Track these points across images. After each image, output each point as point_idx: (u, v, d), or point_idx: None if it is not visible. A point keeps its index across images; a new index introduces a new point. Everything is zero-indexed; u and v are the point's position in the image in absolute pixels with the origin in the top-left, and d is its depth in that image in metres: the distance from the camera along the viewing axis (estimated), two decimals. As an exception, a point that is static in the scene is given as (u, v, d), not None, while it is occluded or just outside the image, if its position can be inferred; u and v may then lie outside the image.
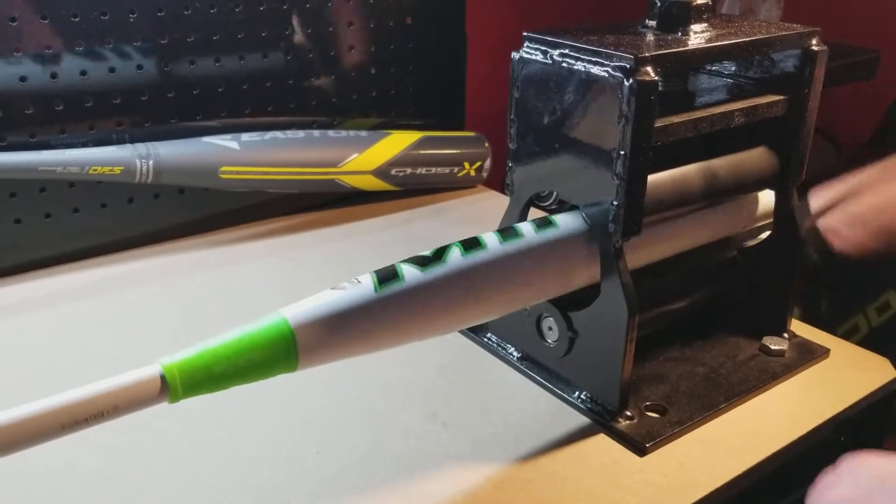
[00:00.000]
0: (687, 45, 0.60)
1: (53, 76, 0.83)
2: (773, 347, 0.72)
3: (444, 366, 0.71)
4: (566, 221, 0.62)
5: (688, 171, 0.65)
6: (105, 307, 0.80)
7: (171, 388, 0.46)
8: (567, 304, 0.65)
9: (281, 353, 0.49)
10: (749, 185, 0.69)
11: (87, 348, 0.73)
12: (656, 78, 0.56)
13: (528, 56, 0.63)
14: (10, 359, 0.71)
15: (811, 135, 0.69)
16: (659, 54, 0.57)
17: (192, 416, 0.63)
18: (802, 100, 0.67)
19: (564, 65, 0.60)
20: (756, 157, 0.69)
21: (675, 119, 0.61)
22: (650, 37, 0.62)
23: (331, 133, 0.99)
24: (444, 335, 0.59)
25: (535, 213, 0.67)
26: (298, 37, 0.98)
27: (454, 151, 1.06)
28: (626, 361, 0.62)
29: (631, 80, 0.56)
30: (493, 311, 0.61)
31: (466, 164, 1.06)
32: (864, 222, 0.65)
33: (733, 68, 0.71)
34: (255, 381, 0.49)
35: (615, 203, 0.59)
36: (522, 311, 0.67)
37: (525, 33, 0.63)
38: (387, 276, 0.54)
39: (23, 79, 0.81)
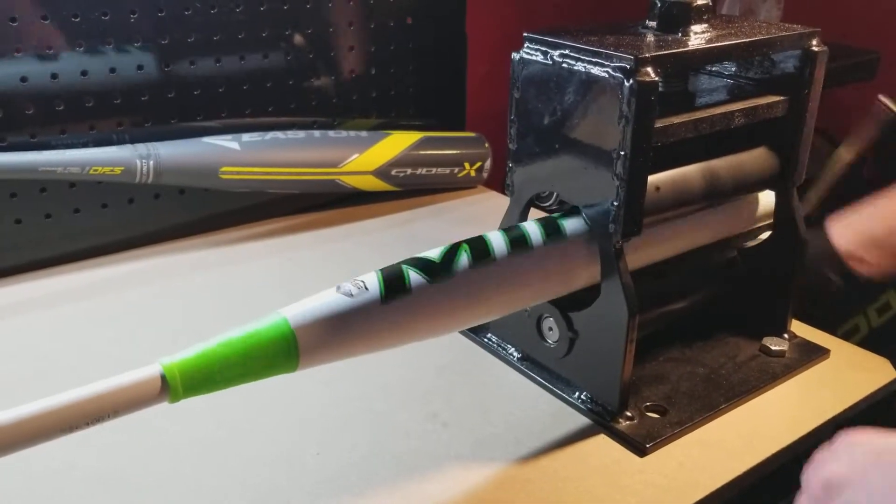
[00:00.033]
0: (687, 45, 0.60)
1: (54, 76, 0.83)
2: (773, 348, 0.72)
3: (445, 366, 0.71)
4: (573, 227, 0.62)
5: (688, 172, 0.65)
6: (105, 307, 0.80)
7: (172, 387, 0.46)
8: (567, 305, 0.65)
9: (281, 353, 0.49)
10: (749, 185, 0.69)
11: (87, 348, 0.73)
12: (656, 78, 0.56)
13: (529, 56, 0.63)
14: (10, 359, 0.71)
15: (811, 135, 0.69)
16: (659, 55, 0.57)
17: (192, 416, 0.63)
18: (802, 100, 0.67)
19: (565, 65, 0.60)
20: (756, 158, 0.69)
21: (676, 119, 0.61)
22: (650, 37, 0.62)
23: (331, 133, 0.99)
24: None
25: (535, 213, 0.67)
26: (299, 37, 0.98)
27: (454, 152, 1.06)
28: (627, 362, 0.62)
29: (631, 81, 0.56)
30: (494, 312, 0.61)
31: (467, 165, 1.06)
32: (886, 245, 0.66)
33: (733, 69, 0.71)
34: (256, 380, 0.49)
35: (615, 203, 0.59)
36: (523, 312, 0.67)
37: (525, 34, 0.63)
38: (394, 285, 0.54)
39: (23, 79, 0.81)
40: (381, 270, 0.55)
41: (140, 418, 0.47)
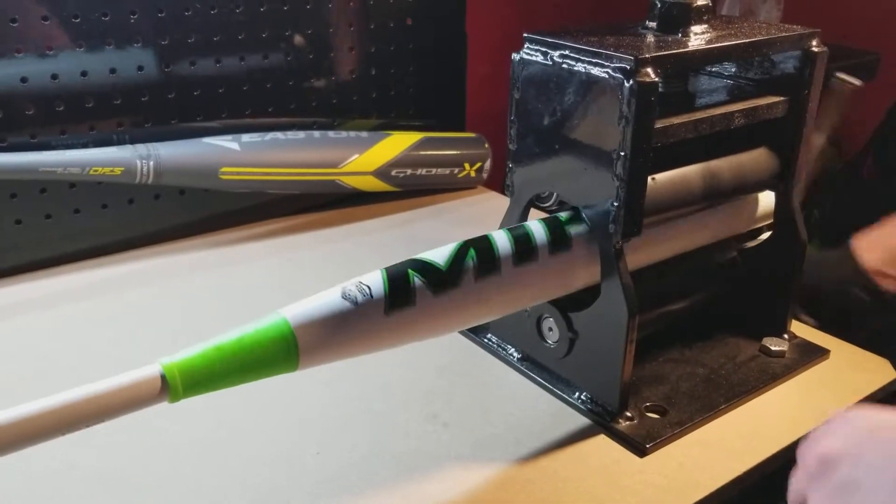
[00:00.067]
0: (687, 46, 0.60)
1: (54, 77, 0.83)
2: (773, 348, 0.72)
3: (445, 366, 0.71)
4: (578, 233, 0.62)
5: (688, 173, 0.65)
6: (105, 308, 0.80)
7: (172, 387, 0.46)
8: (567, 305, 0.65)
9: (281, 352, 0.49)
10: (749, 186, 0.69)
11: (87, 349, 0.73)
12: (656, 79, 0.56)
13: (529, 57, 0.63)
14: (10, 359, 0.71)
15: (811, 136, 0.69)
16: (659, 55, 0.57)
17: (192, 416, 0.63)
18: (802, 101, 0.67)
19: (565, 66, 0.60)
20: (756, 159, 0.69)
21: (676, 120, 0.61)
22: (650, 38, 0.62)
23: (331, 134, 0.99)
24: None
25: (535, 213, 0.67)
26: (299, 38, 0.98)
27: (454, 152, 1.06)
28: (627, 362, 0.62)
29: (631, 82, 0.56)
30: (494, 315, 0.61)
31: (467, 165, 1.06)
32: None
33: (733, 69, 0.71)
34: (256, 380, 0.49)
35: (615, 204, 0.59)
36: (523, 312, 0.67)
37: (525, 34, 0.63)
38: (398, 296, 0.54)
39: (24, 79, 0.81)
40: (388, 275, 0.54)
41: (140, 418, 0.47)
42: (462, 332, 0.75)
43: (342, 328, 0.51)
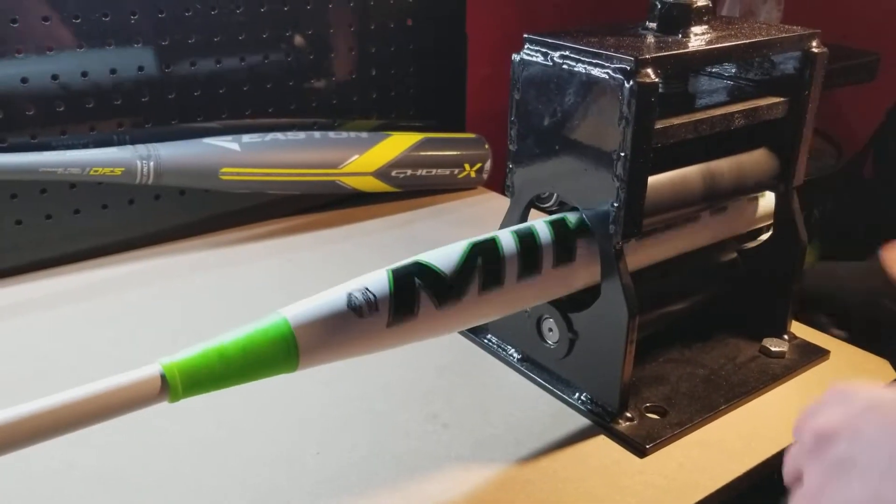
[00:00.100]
0: (687, 46, 0.61)
1: (55, 77, 0.83)
2: (773, 349, 0.72)
3: (445, 367, 0.71)
4: (584, 241, 0.62)
5: (688, 173, 0.65)
6: (105, 308, 0.80)
7: (172, 387, 0.46)
8: (567, 306, 0.65)
9: (281, 352, 0.49)
10: (749, 186, 0.69)
11: (87, 349, 0.73)
12: (657, 80, 0.56)
13: (529, 58, 0.63)
14: (10, 359, 0.71)
15: (811, 137, 0.69)
16: (659, 56, 0.57)
17: (192, 415, 0.63)
18: (802, 102, 0.67)
19: (565, 66, 0.60)
20: (756, 159, 0.69)
21: (676, 121, 0.61)
22: (650, 39, 0.62)
23: (331, 134, 0.99)
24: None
25: (535, 214, 0.67)
26: (299, 38, 0.98)
27: (454, 153, 1.06)
28: (627, 363, 0.62)
29: (631, 82, 0.56)
30: (494, 315, 0.61)
31: (467, 166, 1.06)
32: None
33: (734, 70, 0.71)
34: (256, 380, 0.49)
35: (615, 205, 0.59)
36: (523, 313, 0.67)
37: (525, 35, 0.63)
38: (402, 311, 0.54)
39: (24, 80, 0.81)
40: (394, 284, 0.54)
41: (140, 418, 0.47)
42: (462, 333, 0.75)
43: (343, 332, 0.52)
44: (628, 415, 0.63)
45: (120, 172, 0.83)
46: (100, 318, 0.78)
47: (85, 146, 0.85)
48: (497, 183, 1.01)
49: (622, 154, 0.57)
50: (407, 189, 1.04)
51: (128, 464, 0.59)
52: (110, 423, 0.45)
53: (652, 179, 0.60)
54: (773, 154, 0.69)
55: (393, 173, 1.00)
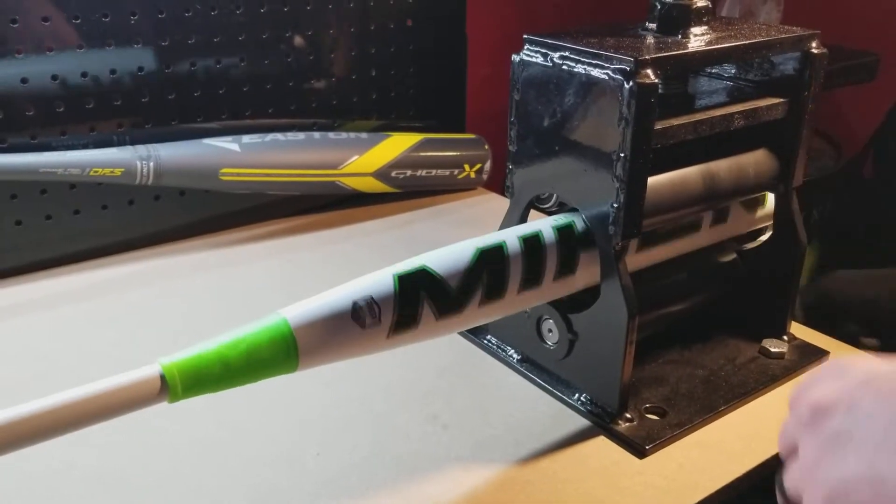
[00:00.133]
0: (687, 47, 0.61)
1: (54, 78, 0.83)
2: (772, 350, 0.72)
3: (445, 368, 0.71)
4: (587, 249, 0.62)
5: (688, 174, 0.65)
6: (105, 308, 0.80)
7: (171, 387, 0.46)
8: (567, 307, 0.65)
9: (281, 353, 0.49)
10: (749, 187, 0.69)
11: (87, 349, 0.73)
12: (656, 80, 0.56)
13: (529, 58, 0.63)
14: (10, 360, 0.71)
15: (811, 137, 0.69)
16: (659, 57, 0.57)
17: (192, 416, 0.63)
18: (802, 102, 0.67)
19: (565, 67, 0.60)
20: (756, 160, 0.69)
21: (675, 121, 0.61)
22: (650, 39, 0.62)
23: (331, 135, 0.99)
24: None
25: (535, 215, 0.67)
26: (299, 39, 0.98)
27: (454, 153, 1.06)
28: (626, 364, 0.62)
29: (631, 83, 0.56)
30: (491, 320, 0.62)
31: (466, 167, 1.06)
32: None
33: (733, 71, 0.71)
34: (255, 381, 0.49)
35: (615, 205, 0.59)
36: (522, 314, 0.67)
37: (525, 36, 0.63)
38: (404, 324, 0.54)
39: (24, 80, 0.82)
40: (399, 296, 0.53)
41: (140, 418, 0.47)
42: (461, 334, 0.75)
43: (343, 336, 0.52)
44: (628, 416, 0.64)
45: (120, 173, 0.83)
46: (100, 318, 0.78)
47: (85, 147, 0.85)
48: (497, 183, 1.01)
49: (622, 155, 0.57)
50: (407, 190, 1.04)
51: (128, 464, 0.59)
52: (110, 423, 0.45)
53: (651, 180, 0.60)
54: (772, 155, 0.69)
55: (393, 174, 1.00)
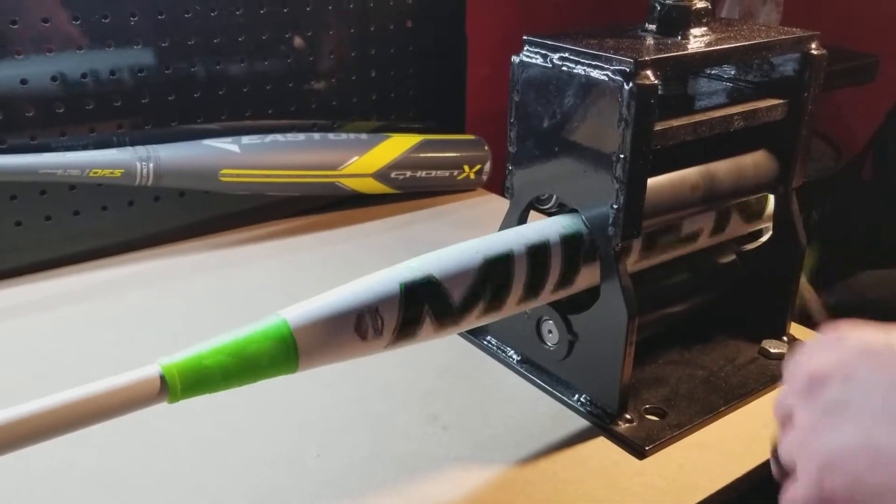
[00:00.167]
0: (686, 48, 0.61)
1: (54, 79, 0.83)
2: (772, 350, 0.72)
3: (445, 368, 0.71)
4: (588, 262, 0.62)
5: (687, 175, 0.65)
6: (105, 309, 0.80)
7: (171, 388, 0.46)
8: (567, 308, 0.65)
9: (281, 354, 0.49)
10: (748, 188, 0.69)
11: (87, 350, 0.73)
12: (656, 81, 0.56)
13: (528, 59, 0.63)
14: (10, 361, 0.71)
15: (811, 138, 0.69)
16: (659, 58, 0.57)
17: (192, 416, 0.63)
18: (802, 103, 0.67)
19: (564, 68, 0.60)
20: (756, 161, 0.69)
21: (675, 122, 0.61)
22: (650, 40, 0.62)
23: (331, 136, 0.99)
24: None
25: (535, 216, 0.67)
26: (299, 40, 0.98)
27: (454, 154, 1.06)
28: (626, 364, 0.62)
29: (631, 84, 0.56)
30: (490, 321, 0.62)
31: (466, 168, 1.06)
32: None
33: (733, 72, 0.71)
34: (255, 381, 0.49)
35: (615, 206, 0.59)
36: (522, 315, 0.67)
37: (525, 37, 0.63)
38: (404, 334, 0.54)
39: (24, 81, 0.82)
40: (404, 309, 0.53)
41: (140, 418, 0.47)
42: (461, 334, 0.75)
43: (342, 339, 0.52)
44: (628, 416, 0.64)
45: (119, 174, 0.83)
46: (100, 319, 0.78)
47: (84, 147, 0.85)
48: (496, 184, 1.01)
49: (622, 156, 0.57)
50: (406, 190, 1.04)
51: (128, 464, 0.59)
52: (110, 423, 0.45)
53: (651, 181, 0.60)
54: (772, 156, 0.69)
55: (392, 175, 1.00)
